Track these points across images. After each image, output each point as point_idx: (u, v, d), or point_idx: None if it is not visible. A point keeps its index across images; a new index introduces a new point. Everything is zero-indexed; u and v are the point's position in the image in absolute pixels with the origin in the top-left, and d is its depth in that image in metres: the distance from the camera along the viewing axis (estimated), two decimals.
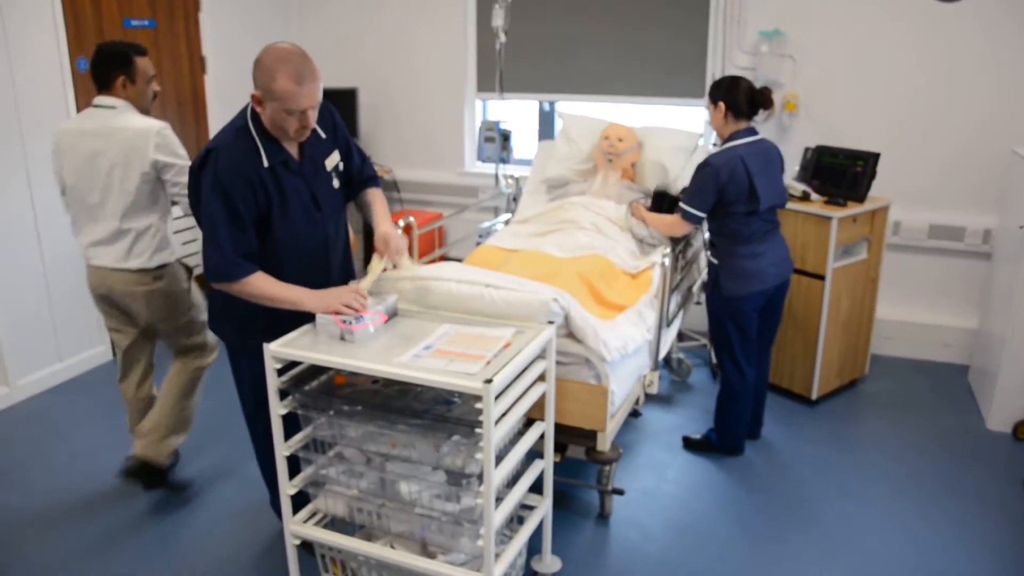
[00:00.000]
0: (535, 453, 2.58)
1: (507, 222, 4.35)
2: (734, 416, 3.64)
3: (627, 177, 3.99)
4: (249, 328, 2.55)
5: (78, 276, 4.30)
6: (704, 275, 3.70)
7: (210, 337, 3.35)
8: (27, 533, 3.14)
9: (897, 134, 4.50)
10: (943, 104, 4.43)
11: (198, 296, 3.32)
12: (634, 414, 3.38)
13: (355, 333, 2.38)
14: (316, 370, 2.47)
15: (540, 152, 4.43)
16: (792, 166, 4.32)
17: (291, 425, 2.47)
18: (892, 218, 4.27)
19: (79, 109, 4.27)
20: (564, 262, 3.33)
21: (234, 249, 2.42)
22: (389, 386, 2.40)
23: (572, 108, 4.81)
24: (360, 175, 2.83)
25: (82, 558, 3.01)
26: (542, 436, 2.59)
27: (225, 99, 5.17)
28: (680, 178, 3.90)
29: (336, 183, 2.70)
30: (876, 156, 4.00)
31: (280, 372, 2.40)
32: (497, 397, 2.15)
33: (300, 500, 2.57)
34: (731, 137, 3.34)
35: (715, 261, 3.44)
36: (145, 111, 3.12)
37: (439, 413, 2.28)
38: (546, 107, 5.43)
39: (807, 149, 4.30)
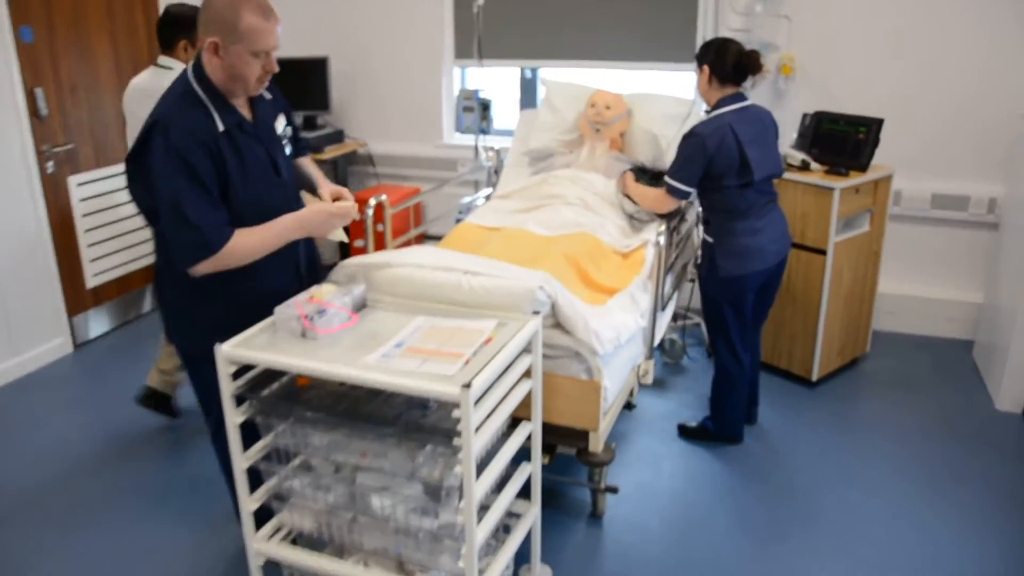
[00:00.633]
0: (522, 454, 2.34)
1: (488, 197, 4.09)
2: (730, 404, 3.42)
3: (615, 147, 3.72)
4: (213, 330, 2.30)
5: (31, 263, 4.04)
6: (699, 254, 3.45)
7: None
8: None
9: (898, 98, 4.26)
10: (947, 67, 4.18)
11: None
12: (628, 406, 3.15)
13: (319, 335, 2.13)
14: (277, 371, 2.21)
15: (522, 122, 4.16)
16: (789, 133, 4.08)
17: (255, 434, 2.23)
18: (893, 188, 4.03)
19: (25, 81, 3.97)
20: (550, 241, 3.08)
21: (210, 219, 2.14)
22: (358, 388, 2.15)
23: (556, 75, 4.54)
24: (298, 142, 2.59)
25: (20, 566, 2.78)
26: (529, 437, 2.36)
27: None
28: (672, 148, 3.63)
29: (288, 149, 2.46)
30: (879, 122, 3.76)
31: (237, 375, 2.15)
32: (477, 401, 1.91)
33: (265, 514, 2.32)
34: (718, 104, 3.09)
35: (710, 239, 3.19)
36: None
37: (413, 419, 2.03)
38: (528, 74, 5.14)
39: (805, 115, 4.04)
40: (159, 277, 2.42)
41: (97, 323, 4.59)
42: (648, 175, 3.53)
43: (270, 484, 2.29)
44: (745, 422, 3.53)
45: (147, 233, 3.84)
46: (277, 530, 2.36)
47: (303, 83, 5.00)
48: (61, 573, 2.76)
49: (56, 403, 3.90)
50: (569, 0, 4.74)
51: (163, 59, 3.21)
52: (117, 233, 4.59)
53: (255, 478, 2.27)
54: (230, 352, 2.10)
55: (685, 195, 3.09)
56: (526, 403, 2.31)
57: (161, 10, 4.69)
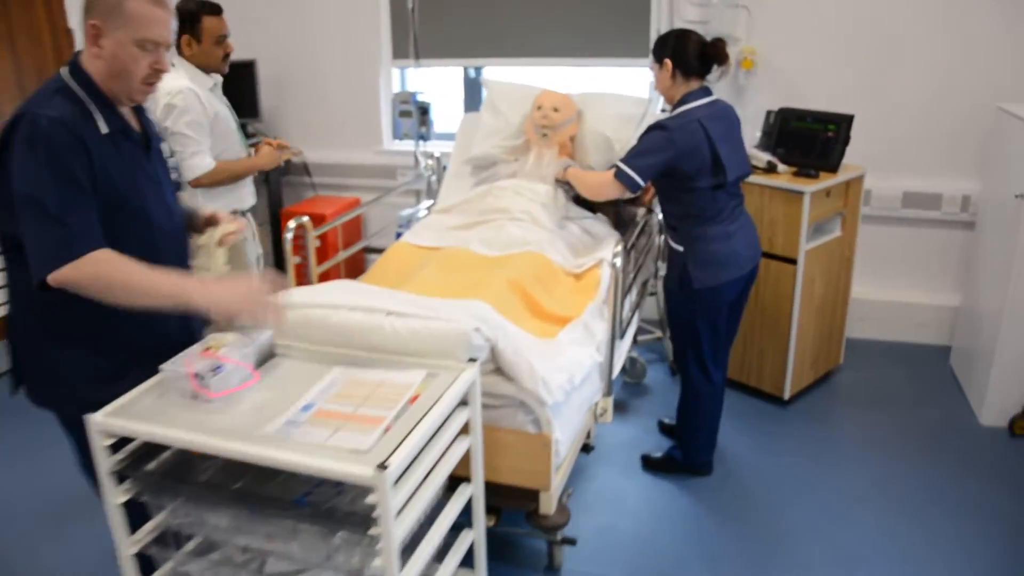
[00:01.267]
0: (465, 512, 2.01)
1: (430, 209, 3.74)
2: (701, 430, 3.12)
3: (565, 153, 3.39)
4: (89, 385, 1.93)
5: None
6: (660, 265, 3.14)
7: None
8: None
9: (865, 91, 3.99)
10: (915, 57, 3.92)
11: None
12: (585, 449, 2.82)
13: (213, 400, 1.78)
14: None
15: (463, 127, 3.81)
16: (752, 132, 3.78)
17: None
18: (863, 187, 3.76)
19: None
20: (493, 263, 2.75)
21: (78, 216, 1.75)
22: None
23: (500, 75, 4.21)
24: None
25: None
26: (470, 500, 2.03)
27: None
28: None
29: (174, 175, 2.11)
30: (850, 119, 3.48)
31: (118, 446, 1.79)
32: (399, 479, 1.57)
33: None
34: (683, 100, 2.78)
35: (679, 248, 2.88)
36: (214, 70, 3.11)
37: (323, 501, 1.69)
38: (473, 74, 4.80)
39: (769, 112, 3.76)
40: (14, 325, 2.01)
41: None
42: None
43: (166, 569, 1.93)
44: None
45: None
46: None
47: (229, 89, 4.59)
48: None
49: None
50: None
51: (176, 59, 3.06)
52: None
53: (146, 565, 1.92)
54: (104, 422, 1.74)
55: (635, 186, 2.76)
56: (466, 460, 1.98)
57: (68, 13, 4.36)
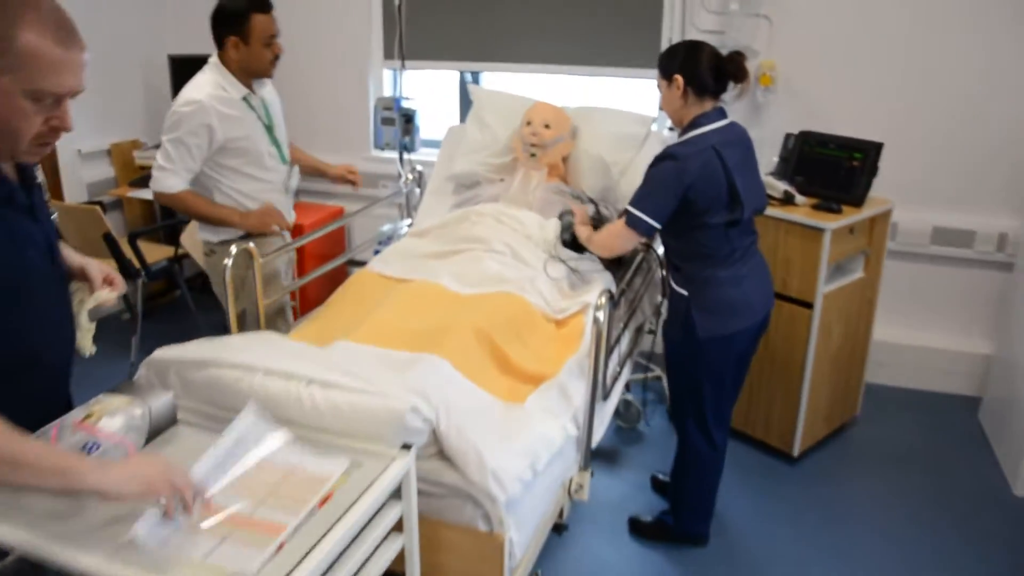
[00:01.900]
0: None
1: (410, 227, 3.40)
2: (697, 496, 2.75)
3: (556, 175, 3.03)
4: None
5: None
6: (661, 310, 2.76)
7: None
8: None
9: (893, 115, 3.60)
10: (950, 77, 3.52)
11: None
12: (557, 529, 2.45)
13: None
14: None
15: (448, 139, 3.44)
16: (769, 156, 3.41)
17: None
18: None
19: None
20: (464, 303, 2.38)
21: None
22: None
23: (495, 82, 3.84)
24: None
25: None
26: None
27: None
28: (627, 178, 2.96)
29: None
30: (878, 147, 3.10)
31: None
32: None
33: None
34: (695, 123, 2.40)
35: (683, 291, 2.51)
36: (261, 75, 2.77)
37: None
38: (470, 78, 4.43)
39: (788, 136, 3.38)
40: None
41: None
42: (593, 214, 2.82)
43: None
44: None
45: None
46: None
47: None
48: None
49: None
50: None
51: (213, 59, 2.74)
52: None
53: None
54: None
55: (650, 230, 2.40)
56: (401, 557, 1.62)
57: None
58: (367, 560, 1.47)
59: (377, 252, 3.37)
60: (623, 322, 2.54)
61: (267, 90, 2.88)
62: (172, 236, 4.20)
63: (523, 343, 2.27)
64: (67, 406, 1.62)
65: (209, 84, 2.66)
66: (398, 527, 1.59)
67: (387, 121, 3.75)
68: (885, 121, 3.55)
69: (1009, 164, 3.53)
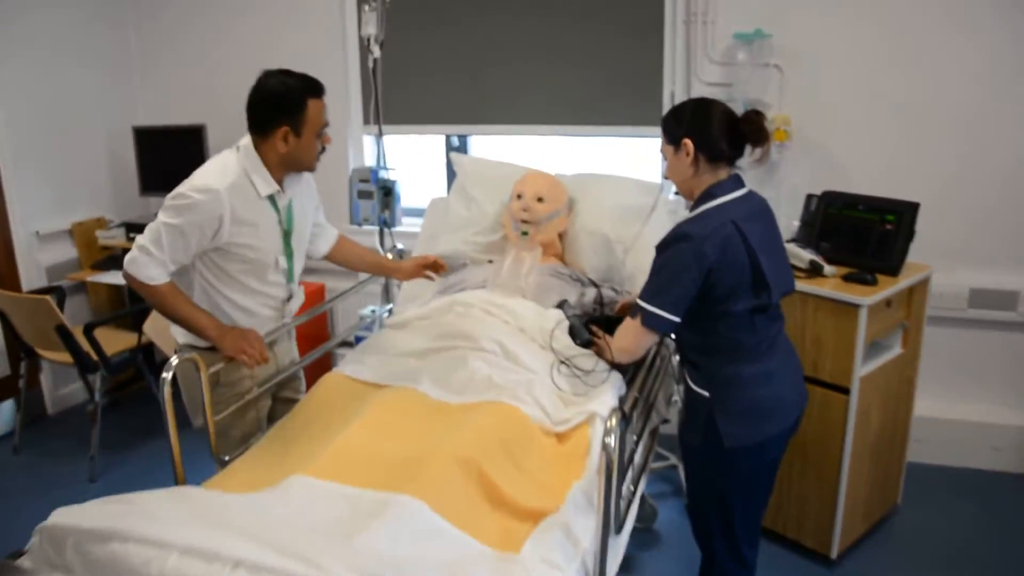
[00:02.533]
0: None
1: (391, 312, 3.05)
2: None
3: (552, 254, 2.69)
4: None
5: None
6: (677, 409, 2.39)
7: None
8: None
9: (921, 170, 3.28)
10: (982, 128, 3.21)
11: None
12: None
13: None
14: None
15: (430, 214, 3.11)
16: (786, 220, 3.06)
17: None
18: None
19: None
20: (446, 419, 2.02)
21: None
22: None
23: (484, 144, 3.53)
24: None
25: None
26: None
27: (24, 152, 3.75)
28: (632, 254, 2.62)
29: None
30: (914, 208, 2.78)
31: None
32: None
33: None
34: (708, 194, 2.05)
35: (703, 392, 2.13)
36: (305, 169, 2.36)
37: None
38: (456, 142, 4.13)
39: (810, 197, 3.05)
40: None
41: None
42: (594, 306, 2.46)
43: None
44: None
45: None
46: None
47: (176, 156, 3.98)
48: None
49: None
50: (499, 49, 3.75)
51: (246, 141, 2.29)
52: None
53: None
54: None
55: (670, 328, 2.04)
56: None
57: None
58: None
59: (359, 339, 3.03)
60: (636, 434, 2.17)
61: (301, 186, 2.44)
62: (140, 322, 3.86)
63: (517, 467, 1.90)
64: None
65: (234, 173, 2.22)
66: None
67: (364, 195, 3.39)
68: (912, 177, 3.24)
69: None
